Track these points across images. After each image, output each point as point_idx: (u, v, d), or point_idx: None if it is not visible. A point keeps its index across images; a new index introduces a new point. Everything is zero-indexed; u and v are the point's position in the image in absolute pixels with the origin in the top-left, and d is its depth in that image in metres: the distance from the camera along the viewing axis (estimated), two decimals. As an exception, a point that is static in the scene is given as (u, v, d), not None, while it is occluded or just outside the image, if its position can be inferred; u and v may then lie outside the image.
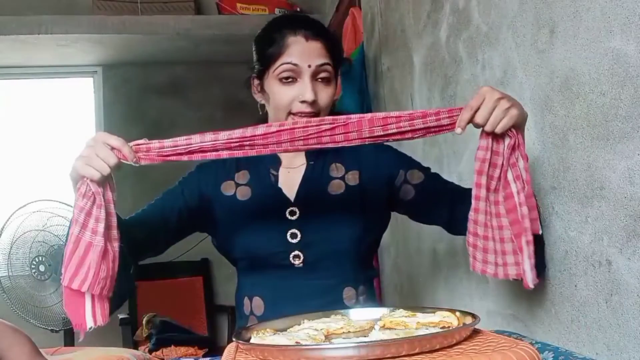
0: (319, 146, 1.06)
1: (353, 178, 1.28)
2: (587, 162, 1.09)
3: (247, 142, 1.04)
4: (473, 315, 0.87)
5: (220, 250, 1.32)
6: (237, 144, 1.04)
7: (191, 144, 1.04)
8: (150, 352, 3.07)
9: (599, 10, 1.03)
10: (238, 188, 1.29)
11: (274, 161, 1.31)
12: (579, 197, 1.12)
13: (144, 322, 3.35)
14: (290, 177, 1.29)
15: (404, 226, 2.23)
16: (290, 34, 1.21)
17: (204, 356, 3.09)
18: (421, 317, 0.90)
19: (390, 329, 0.89)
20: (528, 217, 1.04)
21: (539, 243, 1.14)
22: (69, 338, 3.01)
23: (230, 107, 4.00)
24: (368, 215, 1.26)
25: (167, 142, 1.05)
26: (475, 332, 0.86)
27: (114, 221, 1.05)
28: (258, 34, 1.29)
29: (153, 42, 3.70)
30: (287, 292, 1.23)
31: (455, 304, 1.71)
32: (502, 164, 1.04)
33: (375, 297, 1.32)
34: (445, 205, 1.25)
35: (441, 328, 0.86)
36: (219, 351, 1.90)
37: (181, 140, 1.05)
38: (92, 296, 1.03)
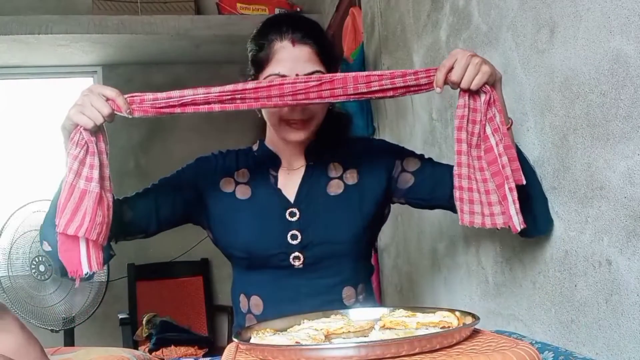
0: (306, 101, 1.10)
1: (351, 177, 1.28)
2: (587, 162, 1.09)
3: (239, 96, 1.07)
4: (473, 315, 0.87)
5: (218, 245, 1.32)
6: (229, 96, 1.07)
7: (184, 96, 1.06)
8: (150, 352, 3.07)
9: (599, 10, 1.03)
10: (237, 186, 1.29)
11: (274, 162, 1.31)
12: (579, 197, 1.12)
13: (144, 322, 3.35)
14: (290, 178, 1.29)
15: (404, 226, 2.23)
16: (277, 39, 1.18)
17: (204, 356, 3.10)
18: (421, 317, 0.90)
19: (390, 329, 0.89)
20: (509, 166, 1.06)
21: (539, 197, 1.17)
22: (69, 338, 3.01)
23: (228, 114, 3.99)
24: (368, 213, 1.26)
25: (161, 95, 1.06)
26: (475, 332, 0.86)
27: (107, 172, 1.07)
28: (251, 36, 1.27)
29: (153, 42, 3.70)
30: (286, 292, 1.23)
31: (455, 304, 1.71)
32: (480, 120, 1.08)
33: (373, 294, 1.33)
34: (446, 183, 1.24)
35: (441, 328, 0.86)
36: (219, 351, 1.90)
37: (174, 93, 1.06)
38: (87, 242, 1.04)
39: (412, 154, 1.32)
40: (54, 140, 3.92)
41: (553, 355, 1.03)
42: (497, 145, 1.07)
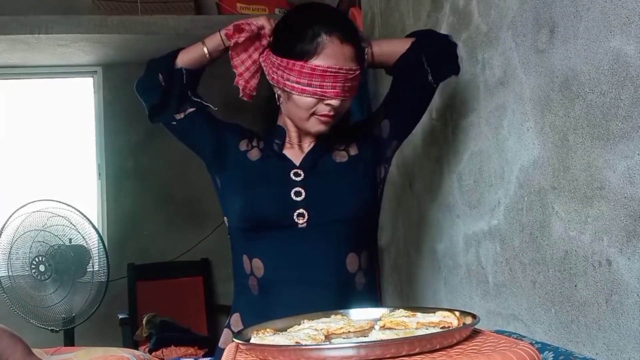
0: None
1: (352, 149, 1.32)
2: (587, 162, 1.09)
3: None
4: (473, 315, 0.87)
5: (224, 205, 1.34)
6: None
7: None
8: (150, 352, 3.07)
9: (599, 10, 1.03)
10: (252, 149, 1.33)
11: (284, 139, 1.32)
12: (579, 197, 1.12)
13: (144, 322, 3.35)
14: (298, 148, 1.32)
15: (404, 226, 2.23)
16: (325, 33, 1.16)
17: (204, 356, 3.09)
18: (421, 317, 0.90)
19: (390, 329, 0.89)
20: None
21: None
22: (69, 338, 3.01)
23: (230, 107, 3.96)
24: (371, 179, 1.30)
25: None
26: (475, 332, 0.86)
27: None
28: (286, 18, 1.26)
29: (153, 42, 3.68)
30: (288, 257, 1.24)
31: (455, 304, 1.71)
32: None
33: (375, 273, 1.35)
34: (400, 94, 1.36)
35: (441, 328, 0.85)
36: (219, 351, 1.89)
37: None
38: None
39: (378, 108, 1.40)
40: (53, 140, 3.93)
41: (553, 355, 1.03)
42: None
